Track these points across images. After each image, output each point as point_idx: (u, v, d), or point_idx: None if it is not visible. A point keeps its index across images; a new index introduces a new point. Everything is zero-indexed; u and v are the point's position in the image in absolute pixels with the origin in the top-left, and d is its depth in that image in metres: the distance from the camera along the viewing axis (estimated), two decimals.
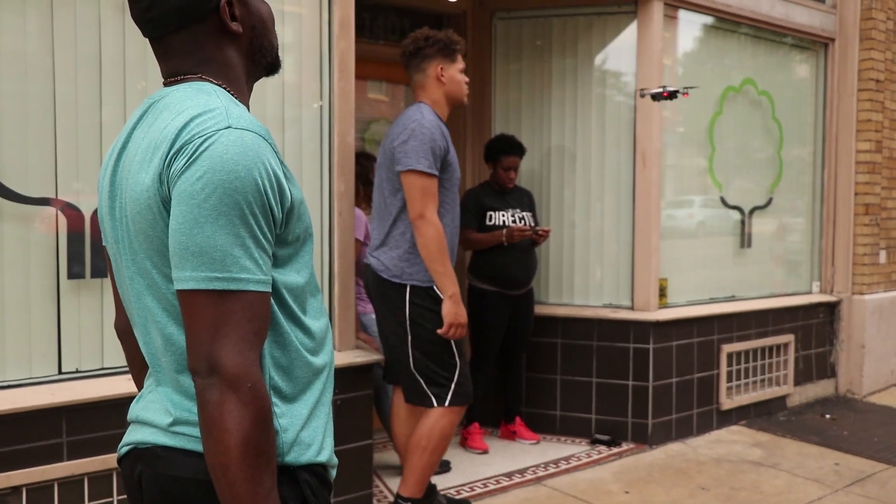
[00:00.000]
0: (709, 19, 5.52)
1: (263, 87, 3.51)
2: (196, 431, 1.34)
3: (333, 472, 1.50)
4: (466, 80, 3.65)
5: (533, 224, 4.97)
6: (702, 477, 4.51)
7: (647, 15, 5.03)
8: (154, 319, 1.37)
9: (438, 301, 3.45)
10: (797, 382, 6.00)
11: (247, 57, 1.50)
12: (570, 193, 5.33)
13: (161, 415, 1.39)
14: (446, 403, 3.48)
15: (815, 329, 6.15)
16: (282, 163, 1.36)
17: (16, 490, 2.85)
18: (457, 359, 3.53)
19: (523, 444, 5.00)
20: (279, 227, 1.34)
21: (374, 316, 4.21)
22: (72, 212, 3.04)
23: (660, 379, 5.01)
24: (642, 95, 5.00)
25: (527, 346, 5.08)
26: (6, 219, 2.96)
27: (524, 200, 5.03)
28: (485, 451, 4.84)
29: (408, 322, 3.49)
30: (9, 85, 3.00)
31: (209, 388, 1.23)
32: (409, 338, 3.51)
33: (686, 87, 4.93)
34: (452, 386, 3.49)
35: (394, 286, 3.50)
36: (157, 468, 1.38)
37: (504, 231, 4.76)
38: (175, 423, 1.37)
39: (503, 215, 4.88)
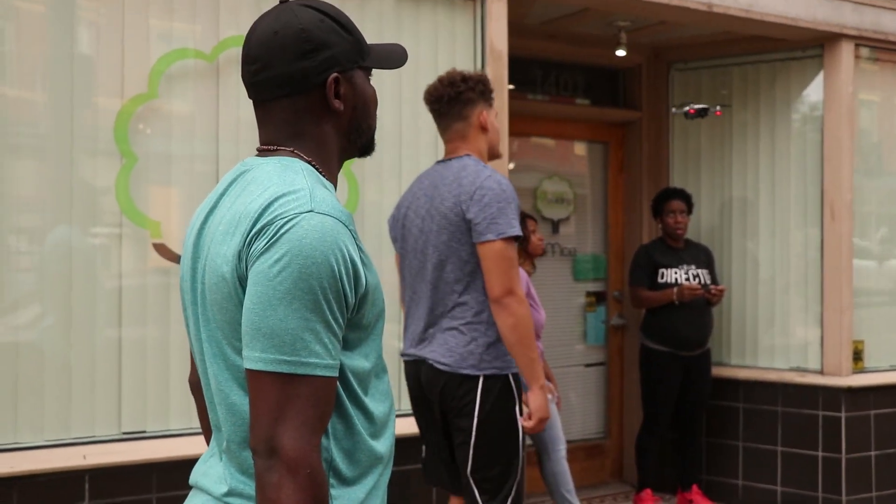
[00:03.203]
0: None
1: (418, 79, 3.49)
2: None
3: None
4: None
5: (709, 282, 4.61)
6: None
7: (834, 57, 4.57)
8: (220, 387, 1.35)
9: (510, 393, 2.79)
10: None
11: (343, 135, 1.47)
12: (752, 248, 4.91)
13: (217, 483, 1.38)
14: None
15: None
16: (360, 249, 1.34)
17: None
18: (520, 461, 2.84)
19: None
20: (351, 312, 1.31)
21: None
22: None
23: (855, 451, 4.44)
24: (673, 114, 4.64)
25: (703, 410, 4.71)
26: (174, 279, 3.09)
27: (700, 257, 4.71)
28: None
29: (475, 421, 2.73)
30: (179, 147, 3.20)
31: (269, 471, 1.21)
32: (474, 439, 2.74)
33: (720, 105, 4.43)
34: (512, 493, 2.78)
35: (462, 379, 2.74)
36: None
37: (675, 289, 4.46)
38: (230, 493, 1.35)
39: (675, 272, 4.59)
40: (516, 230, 2.71)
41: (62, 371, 3.04)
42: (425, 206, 2.85)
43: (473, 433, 2.74)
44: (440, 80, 2.93)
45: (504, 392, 2.76)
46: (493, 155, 2.99)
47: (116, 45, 3.13)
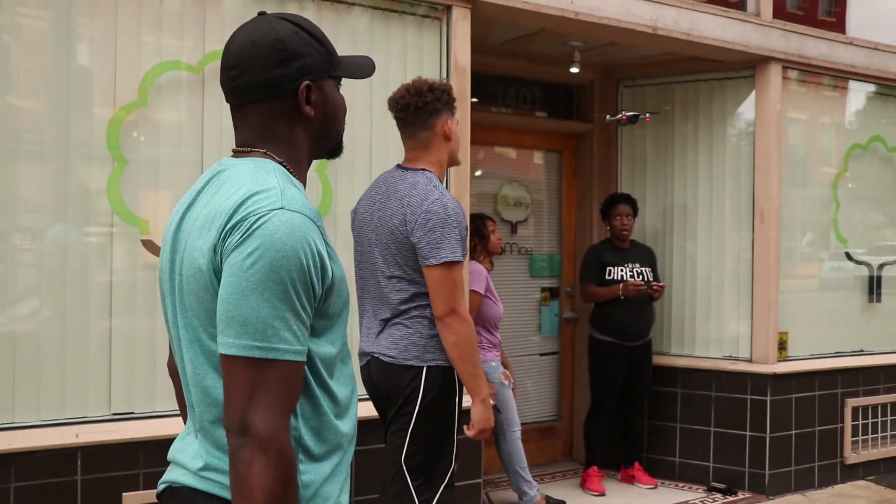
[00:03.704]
0: (831, 79, 5.22)
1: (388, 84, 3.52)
2: (222, 478, 1.37)
3: None
4: None
5: (651, 279, 4.85)
6: None
7: (764, 78, 4.84)
8: (195, 371, 1.39)
9: (453, 386, 2.73)
10: None
11: (313, 139, 1.51)
12: (691, 249, 5.16)
13: (193, 459, 1.42)
14: None
15: None
16: (327, 243, 1.38)
17: None
18: (453, 461, 2.76)
19: (641, 489, 4.84)
20: (319, 302, 1.36)
21: (493, 363, 4.24)
22: None
23: (778, 430, 4.72)
24: (607, 121, 4.95)
25: (645, 394, 4.93)
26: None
27: (644, 256, 4.93)
28: (601, 494, 4.72)
29: (416, 409, 2.66)
30: (166, 152, 3.26)
31: (241, 448, 1.24)
32: (412, 426, 2.67)
33: (649, 113, 4.75)
34: (442, 488, 2.71)
35: (404, 369, 2.68)
36: None
37: (621, 285, 4.68)
38: (205, 468, 1.39)
39: (621, 270, 4.80)
40: (458, 255, 2.62)
41: (57, 357, 3.07)
42: (377, 214, 2.79)
43: (413, 420, 2.67)
44: (406, 88, 2.80)
45: (447, 384, 2.71)
46: (453, 162, 2.93)
47: (110, 57, 3.16)
